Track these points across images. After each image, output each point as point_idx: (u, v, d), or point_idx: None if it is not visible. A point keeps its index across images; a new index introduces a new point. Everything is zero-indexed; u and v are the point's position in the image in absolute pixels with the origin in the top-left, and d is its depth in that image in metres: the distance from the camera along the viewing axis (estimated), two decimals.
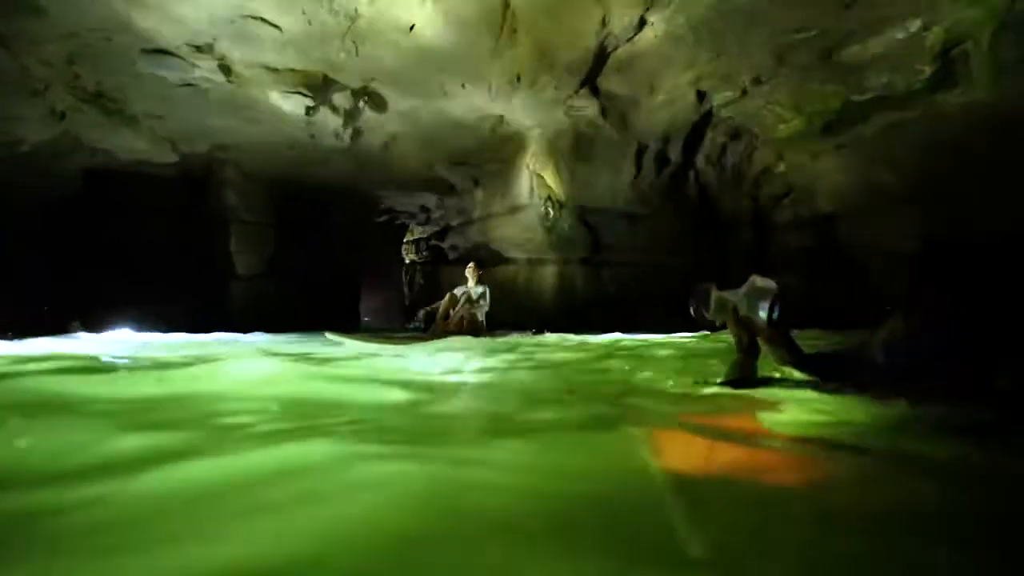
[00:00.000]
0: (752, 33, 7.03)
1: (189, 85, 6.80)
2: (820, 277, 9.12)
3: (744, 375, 1.95)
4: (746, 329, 2.01)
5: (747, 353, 2.03)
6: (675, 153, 9.38)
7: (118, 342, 5.42)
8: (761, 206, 10.18)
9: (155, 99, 7.25)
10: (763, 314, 1.90)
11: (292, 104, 7.41)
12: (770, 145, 9.25)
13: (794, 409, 1.50)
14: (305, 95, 7.20)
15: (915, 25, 6.27)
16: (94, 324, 6.67)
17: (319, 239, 11.21)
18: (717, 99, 8.37)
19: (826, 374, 1.89)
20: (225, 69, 6.52)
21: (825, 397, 1.61)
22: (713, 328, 2.32)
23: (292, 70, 6.87)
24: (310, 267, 10.93)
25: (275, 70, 6.76)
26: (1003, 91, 6.30)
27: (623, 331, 7.27)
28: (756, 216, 10.19)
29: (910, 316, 1.69)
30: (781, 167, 9.56)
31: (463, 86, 7.90)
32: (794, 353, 2.00)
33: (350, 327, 10.59)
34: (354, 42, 6.66)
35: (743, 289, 2.02)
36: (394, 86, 7.76)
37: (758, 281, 1.99)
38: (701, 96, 8.38)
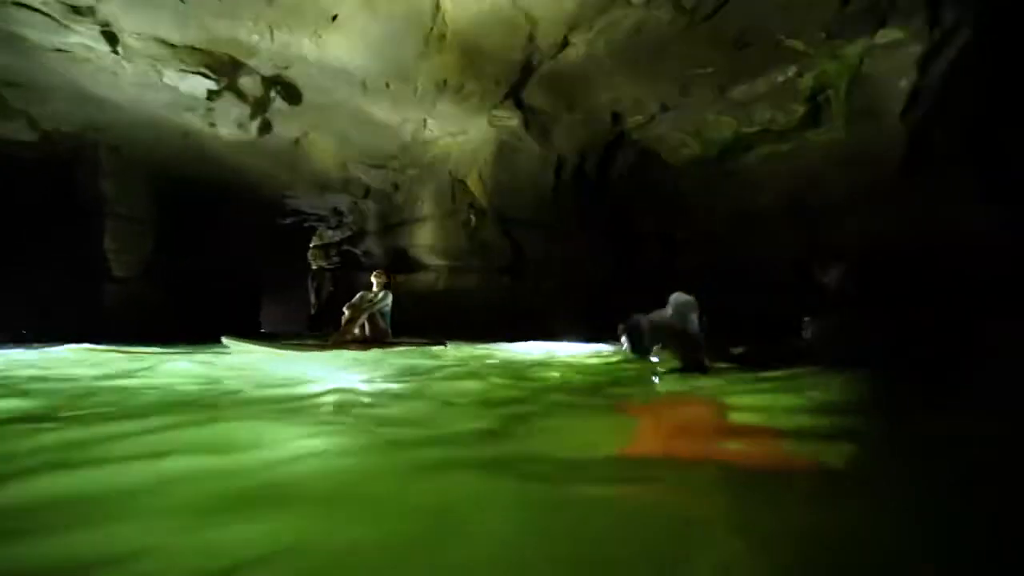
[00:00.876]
0: (662, 64, 7.72)
1: (61, 51, 5.82)
2: (713, 291, 10.13)
3: (686, 366, 2.08)
4: (681, 341, 2.14)
5: (688, 360, 2.15)
6: (591, 169, 9.91)
7: None
8: (664, 223, 11.08)
9: (11, 64, 6.10)
10: (695, 324, 2.08)
11: (190, 86, 6.66)
12: (673, 167, 10.14)
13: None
14: (208, 77, 6.52)
15: (791, 71, 7.33)
16: None
17: (214, 240, 10.10)
18: (630, 121, 9.03)
19: (760, 362, 2.04)
20: (110, 37, 5.69)
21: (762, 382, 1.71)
22: (645, 354, 2.37)
23: (193, 48, 6.19)
24: (203, 270, 9.79)
25: (172, 45, 6.04)
26: (853, 132, 7.56)
27: (541, 340, 7.44)
28: (661, 232, 11.06)
29: (835, 315, 1.90)
30: (683, 187, 10.50)
31: (387, 85, 7.69)
32: (725, 353, 2.16)
33: (249, 337, 9.58)
34: (270, 25, 6.20)
35: (669, 308, 2.17)
36: (311, 78, 7.33)
37: (680, 296, 2.17)
38: (616, 117, 8.99)
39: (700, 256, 10.78)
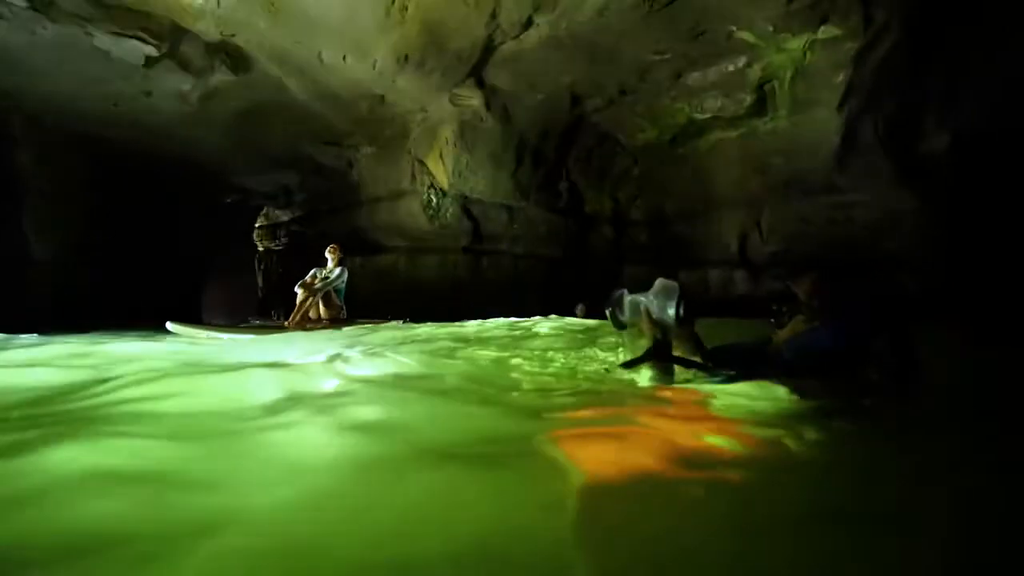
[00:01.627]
0: (621, 48, 7.89)
1: None
2: (665, 270, 10.67)
3: (650, 358, 2.13)
4: (659, 327, 2.19)
5: (661, 347, 2.19)
6: (550, 151, 10.01)
7: None
8: (619, 205, 11.45)
9: None
10: (671, 311, 2.11)
11: (125, 51, 6.08)
12: (628, 150, 10.46)
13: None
14: (146, 42, 5.97)
15: (741, 61, 7.72)
16: None
17: (150, 219, 9.36)
18: (589, 104, 9.18)
19: (732, 365, 2.11)
20: None
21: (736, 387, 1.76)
22: (623, 328, 2.40)
23: (129, 8, 5.63)
24: (137, 253, 9.08)
25: (105, 5, 5.46)
26: (796, 121, 8.12)
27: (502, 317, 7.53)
28: (615, 213, 11.43)
29: (809, 317, 2.01)
30: (636, 171, 10.88)
31: (344, 58, 7.36)
32: (700, 347, 2.24)
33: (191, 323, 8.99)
34: None
35: (651, 290, 2.24)
36: (262, 47, 6.89)
37: (663, 282, 2.23)
38: (575, 100, 9.11)
39: (651, 235, 11.28)
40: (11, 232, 7.15)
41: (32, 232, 7.38)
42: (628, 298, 2.23)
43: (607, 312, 2.30)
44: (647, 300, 2.15)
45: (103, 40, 5.79)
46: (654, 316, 2.11)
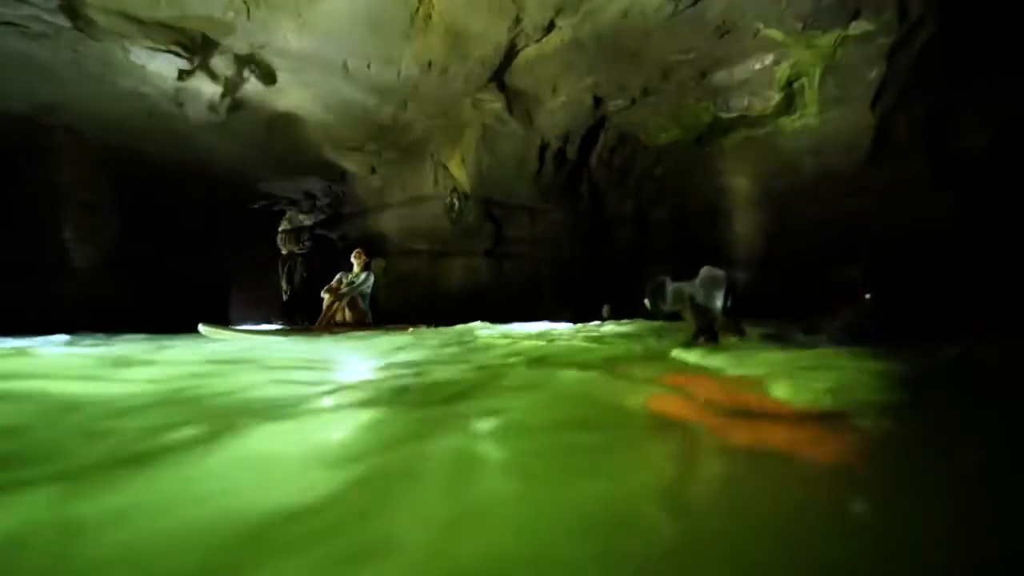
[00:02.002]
0: (645, 49, 7.80)
1: (11, 25, 5.30)
2: (689, 270, 10.53)
3: (701, 338, 2.14)
4: (702, 315, 2.18)
5: (705, 336, 2.19)
6: (572, 152, 9.96)
7: None
8: (641, 205, 11.34)
9: None
10: (719, 302, 2.10)
11: (159, 65, 6.24)
12: (651, 150, 10.34)
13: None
14: (179, 55, 6.11)
15: (768, 59, 7.57)
16: None
17: (180, 226, 9.60)
18: (611, 105, 9.09)
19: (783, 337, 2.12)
20: (70, 12, 5.22)
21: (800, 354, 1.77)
22: (665, 317, 2.41)
23: (164, 24, 5.78)
24: (168, 258, 9.32)
25: (141, 21, 5.61)
26: (825, 119, 7.93)
27: (521, 321, 7.49)
28: (637, 213, 11.32)
29: (858, 307, 2.01)
30: (658, 171, 10.75)
31: (368, 66, 7.43)
32: (743, 337, 2.23)
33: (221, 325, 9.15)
34: (247, 2, 5.85)
35: (698, 279, 2.22)
36: (288, 58, 6.99)
37: (710, 271, 2.20)
38: (597, 101, 9.03)
39: (674, 235, 11.14)
40: (52, 241, 7.41)
41: (70, 241, 7.64)
42: (672, 286, 2.22)
43: (646, 301, 2.30)
44: (692, 288, 2.14)
45: (139, 55, 5.95)
46: (699, 303, 2.11)
